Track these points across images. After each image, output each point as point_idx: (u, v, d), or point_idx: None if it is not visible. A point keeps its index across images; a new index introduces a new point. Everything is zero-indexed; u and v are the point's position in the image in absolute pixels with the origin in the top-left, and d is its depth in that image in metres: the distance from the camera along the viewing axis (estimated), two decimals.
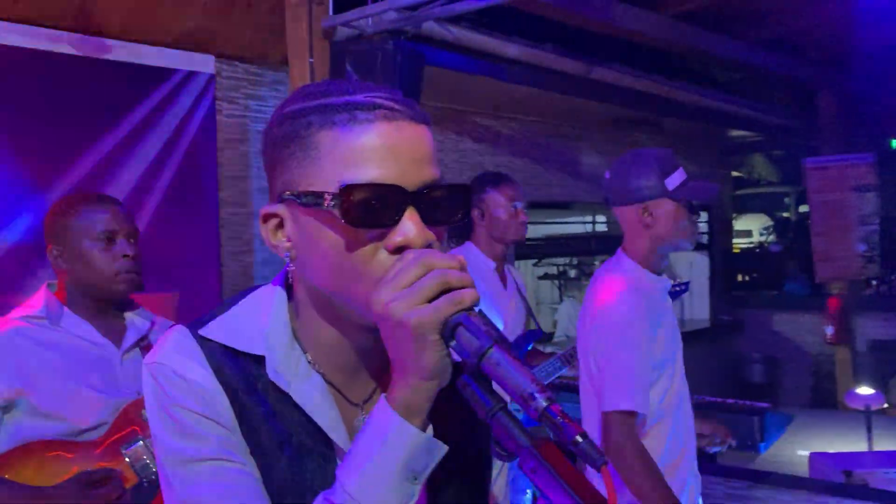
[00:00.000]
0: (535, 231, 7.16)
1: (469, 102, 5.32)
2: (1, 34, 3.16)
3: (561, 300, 8.75)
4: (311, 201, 0.80)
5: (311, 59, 3.69)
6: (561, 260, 8.62)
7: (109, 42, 3.54)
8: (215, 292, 3.94)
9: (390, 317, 0.75)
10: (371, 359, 0.92)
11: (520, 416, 0.83)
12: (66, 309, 1.83)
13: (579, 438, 0.67)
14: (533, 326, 3.14)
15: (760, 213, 13.65)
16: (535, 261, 8.36)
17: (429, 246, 0.81)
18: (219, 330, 0.88)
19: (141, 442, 1.79)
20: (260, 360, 0.87)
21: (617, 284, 2.05)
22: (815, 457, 3.27)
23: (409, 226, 0.79)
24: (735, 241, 11.12)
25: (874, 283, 7.59)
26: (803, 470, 3.31)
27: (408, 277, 0.75)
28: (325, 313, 0.88)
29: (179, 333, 0.89)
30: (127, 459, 1.77)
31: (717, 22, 5.32)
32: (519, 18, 4.55)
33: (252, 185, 4.38)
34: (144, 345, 1.90)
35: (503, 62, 4.65)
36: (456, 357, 0.78)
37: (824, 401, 7.24)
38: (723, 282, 8.81)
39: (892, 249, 6.17)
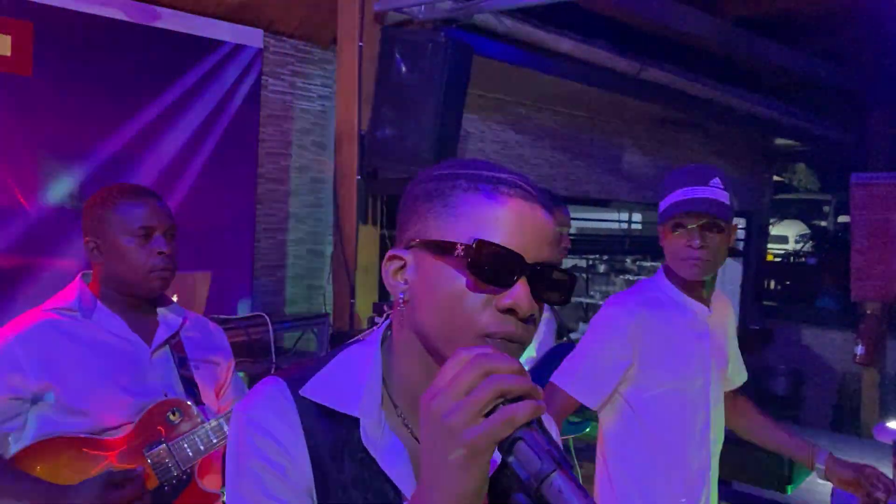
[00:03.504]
0: None
1: (514, 93, 5.24)
2: None
3: (588, 294, 8.66)
4: (442, 250, 0.86)
5: (360, 43, 3.64)
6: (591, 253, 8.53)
7: (159, 10, 3.52)
8: (247, 271, 3.94)
9: (445, 430, 0.71)
10: None
11: None
12: (98, 303, 1.80)
13: None
14: (563, 339, 3.12)
15: (797, 220, 13.45)
16: None
17: (531, 317, 0.86)
18: (318, 389, 0.92)
19: (164, 445, 1.77)
20: (353, 422, 0.91)
21: (630, 293, 2.10)
22: (838, 493, 3.19)
23: (521, 292, 0.85)
24: (770, 246, 10.93)
25: None
26: (824, 500, 3.24)
27: (464, 385, 0.72)
28: (423, 354, 0.91)
29: (276, 388, 0.92)
30: (149, 461, 1.75)
31: (773, 29, 5.19)
32: (571, 13, 4.45)
33: (291, 162, 4.35)
34: (175, 342, 1.87)
35: (553, 56, 4.57)
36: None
37: (846, 421, 7.14)
38: (754, 290, 8.67)
39: None
